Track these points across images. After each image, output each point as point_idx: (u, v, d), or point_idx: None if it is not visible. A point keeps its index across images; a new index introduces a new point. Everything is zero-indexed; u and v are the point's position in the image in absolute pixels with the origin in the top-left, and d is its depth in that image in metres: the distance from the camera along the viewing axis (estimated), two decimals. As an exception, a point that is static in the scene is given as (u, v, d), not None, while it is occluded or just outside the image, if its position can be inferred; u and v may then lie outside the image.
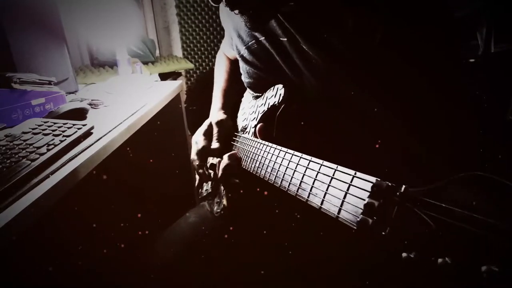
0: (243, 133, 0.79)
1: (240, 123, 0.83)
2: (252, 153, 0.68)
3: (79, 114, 0.97)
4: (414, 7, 0.55)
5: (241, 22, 0.71)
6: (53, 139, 0.72)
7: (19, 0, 1.07)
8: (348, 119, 0.60)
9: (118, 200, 1.22)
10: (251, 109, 0.79)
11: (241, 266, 0.74)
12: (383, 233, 0.33)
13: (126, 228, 1.10)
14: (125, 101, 1.16)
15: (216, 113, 0.87)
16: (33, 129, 0.77)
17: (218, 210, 0.77)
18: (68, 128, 0.78)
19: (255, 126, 0.73)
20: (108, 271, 0.93)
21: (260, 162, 0.63)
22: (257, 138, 0.70)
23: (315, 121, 0.63)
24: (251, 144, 0.69)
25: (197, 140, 0.81)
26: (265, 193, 0.62)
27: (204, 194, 0.90)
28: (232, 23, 0.76)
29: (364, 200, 0.36)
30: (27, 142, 0.71)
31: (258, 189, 0.65)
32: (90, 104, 1.07)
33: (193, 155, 0.80)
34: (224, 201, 0.75)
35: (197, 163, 0.79)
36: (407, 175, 0.46)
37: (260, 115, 0.72)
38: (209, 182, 0.90)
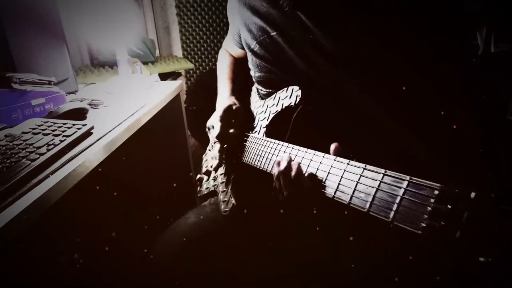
0: (251, 132, 0.79)
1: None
2: (265, 153, 0.67)
3: (79, 114, 0.97)
4: (415, 8, 0.55)
5: (252, 17, 0.70)
6: (53, 139, 0.72)
7: (19, 0, 1.07)
8: (354, 116, 0.60)
9: (118, 200, 1.22)
10: (259, 109, 0.78)
11: (242, 266, 0.74)
12: (455, 236, 0.34)
13: (126, 228, 1.10)
14: (125, 101, 1.16)
15: (227, 99, 0.86)
16: (33, 129, 0.77)
17: (227, 209, 0.77)
18: (68, 128, 0.78)
19: (266, 126, 0.73)
20: (108, 271, 0.93)
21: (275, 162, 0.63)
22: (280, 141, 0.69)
23: (328, 124, 0.63)
24: (263, 144, 0.69)
25: (214, 124, 0.81)
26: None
27: (205, 193, 0.90)
28: (242, 17, 0.76)
29: (429, 205, 0.37)
30: (27, 142, 0.71)
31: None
32: (90, 104, 1.07)
33: (214, 138, 0.81)
34: (233, 200, 0.75)
35: (218, 147, 0.79)
36: (408, 174, 0.46)
37: (272, 115, 0.72)
38: (210, 181, 0.90)
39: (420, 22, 0.56)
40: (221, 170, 0.86)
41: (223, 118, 0.80)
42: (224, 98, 0.88)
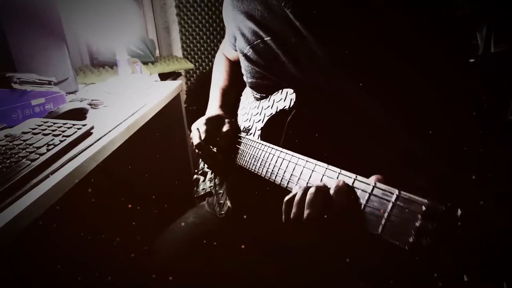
0: (246, 134, 0.78)
1: (242, 123, 0.83)
2: (260, 157, 0.67)
3: (79, 114, 0.97)
4: (415, 8, 0.55)
5: (246, 21, 0.70)
6: (53, 139, 0.72)
7: (19, 0, 1.07)
8: (352, 119, 0.60)
9: (117, 200, 1.21)
10: (254, 110, 0.78)
11: (241, 266, 0.74)
12: (439, 254, 0.34)
13: (126, 228, 1.10)
14: (125, 101, 1.16)
15: (215, 111, 0.87)
16: (33, 129, 0.77)
17: (222, 212, 0.77)
18: (68, 128, 0.78)
19: (261, 129, 0.73)
20: (107, 271, 0.93)
21: (269, 166, 0.63)
22: (262, 140, 0.69)
23: (323, 126, 0.63)
24: (258, 147, 0.69)
25: (199, 127, 0.80)
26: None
27: (201, 194, 0.90)
28: (236, 21, 0.75)
29: (416, 221, 0.37)
30: (27, 142, 0.71)
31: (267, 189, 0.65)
32: (90, 104, 1.07)
33: (197, 141, 0.79)
34: (228, 203, 0.75)
35: (202, 151, 0.79)
36: (409, 175, 0.46)
37: (267, 118, 0.72)
38: (206, 182, 0.90)
39: (420, 23, 0.56)
40: (217, 171, 0.86)
41: (208, 122, 0.80)
42: (213, 110, 0.88)
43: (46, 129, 0.77)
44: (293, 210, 0.49)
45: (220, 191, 0.81)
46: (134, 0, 2.35)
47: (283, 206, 0.52)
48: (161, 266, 0.73)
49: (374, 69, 0.57)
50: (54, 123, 0.80)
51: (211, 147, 0.79)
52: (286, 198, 0.52)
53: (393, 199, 0.40)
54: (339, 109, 0.61)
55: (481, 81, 0.62)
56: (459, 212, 0.34)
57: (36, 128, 0.78)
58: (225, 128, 0.79)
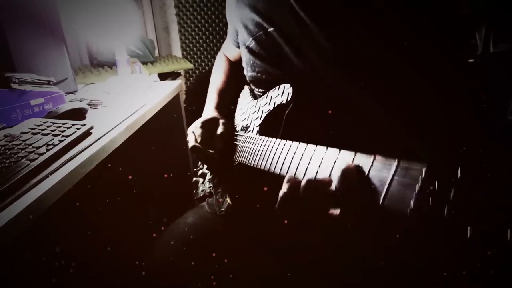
0: (245, 132, 0.78)
1: (240, 123, 0.83)
2: (259, 151, 0.67)
3: (78, 114, 0.97)
4: (415, 8, 0.56)
5: (250, 13, 0.70)
6: (52, 139, 0.72)
7: (18, 0, 1.07)
8: (351, 117, 0.60)
9: (117, 200, 1.21)
10: (252, 109, 0.78)
11: (241, 266, 0.74)
12: (443, 216, 0.33)
13: (126, 228, 1.10)
14: (125, 101, 1.15)
15: (211, 112, 0.87)
16: (32, 129, 0.77)
17: (222, 209, 0.76)
18: (67, 128, 0.78)
19: (259, 125, 0.73)
20: (107, 271, 0.93)
21: (268, 158, 0.63)
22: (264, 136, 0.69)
23: (322, 121, 0.63)
24: (257, 142, 0.69)
25: (194, 131, 0.80)
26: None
27: (201, 195, 0.90)
28: (239, 14, 0.75)
29: (417, 186, 0.36)
30: (26, 142, 0.71)
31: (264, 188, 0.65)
32: (89, 104, 1.07)
33: (193, 144, 0.79)
34: (228, 200, 0.75)
35: (198, 154, 0.79)
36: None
37: (264, 114, 0.72)
38: (205, 183, 0.90)
39: (421, 22, 0.56)
40: (215, 171, 0.86)
41: (203, 125, 0.80)
42: (209, 111, 0.88)
43: (45, 129, 0.77)
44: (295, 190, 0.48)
45: (220, 190, 0.81)
46: (133, 0, 2.35)
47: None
48: (161, 266, 0.73)
49: (374, 69, 0.58)
50: (54, 123, 0.80)
51: (208, 149, 0.79)
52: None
53: (393, 169, 0.40)
54: (339, 109, 0.61)
55: (481, 81, 0.62)
56: (459, 170, 0.33)
57: (35, 128, 0.77)
58: (220, 130, 0.79)
